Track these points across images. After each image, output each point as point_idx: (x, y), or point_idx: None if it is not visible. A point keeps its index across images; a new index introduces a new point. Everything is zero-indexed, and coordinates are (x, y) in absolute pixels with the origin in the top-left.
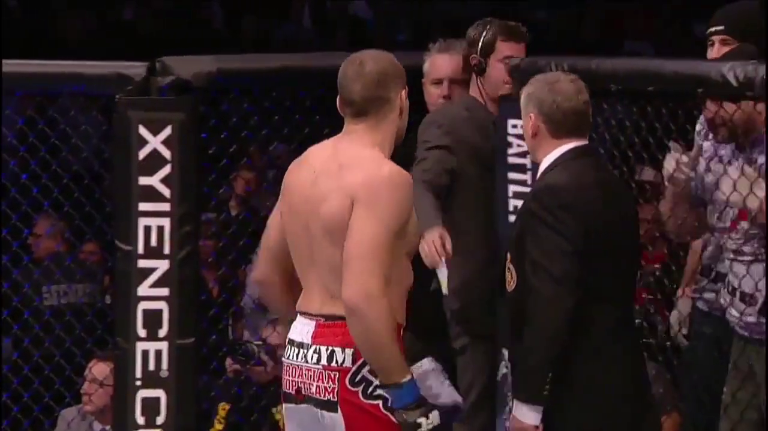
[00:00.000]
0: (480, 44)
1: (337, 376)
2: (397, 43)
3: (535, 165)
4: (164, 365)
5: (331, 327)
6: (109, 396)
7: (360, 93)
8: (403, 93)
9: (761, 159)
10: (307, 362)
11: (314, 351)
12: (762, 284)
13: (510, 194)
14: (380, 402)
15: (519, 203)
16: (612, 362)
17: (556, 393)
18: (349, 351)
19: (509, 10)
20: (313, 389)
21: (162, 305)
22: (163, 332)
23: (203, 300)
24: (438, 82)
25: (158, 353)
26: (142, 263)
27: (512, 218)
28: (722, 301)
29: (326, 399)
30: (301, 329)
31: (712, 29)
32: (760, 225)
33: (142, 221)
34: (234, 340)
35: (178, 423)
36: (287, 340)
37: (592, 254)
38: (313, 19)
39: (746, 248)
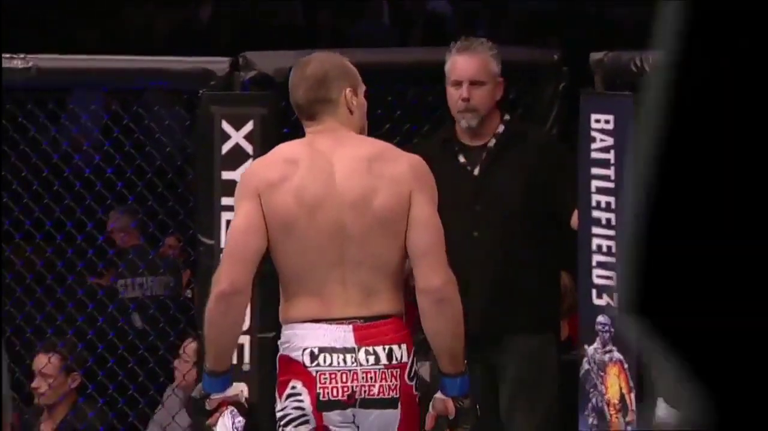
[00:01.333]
0: None
1: (398, 373)
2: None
3: (618, 160)
4: (246, 358)
5: (376, 327)
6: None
7: (303, 96)
8: (348, 92)
9: None
10: (362, 365)
11: (367, 353)
12: None
13: (593, 189)
14: (419, 393)
15: (602, 198)
16: None
17: None
18: (404, 347)
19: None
20: (375, 390)
21: None
22: (245, 325)
23: None
24: (457, 84)
25: (240, 346)
26: None
27: (595, 213)
28: None
29: (390, 397)
30: (332, 335)
31: None
32: None
33: (225, 216)
34: None
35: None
36: (312, 350)
37: None
38: (390, 15)
39: None
